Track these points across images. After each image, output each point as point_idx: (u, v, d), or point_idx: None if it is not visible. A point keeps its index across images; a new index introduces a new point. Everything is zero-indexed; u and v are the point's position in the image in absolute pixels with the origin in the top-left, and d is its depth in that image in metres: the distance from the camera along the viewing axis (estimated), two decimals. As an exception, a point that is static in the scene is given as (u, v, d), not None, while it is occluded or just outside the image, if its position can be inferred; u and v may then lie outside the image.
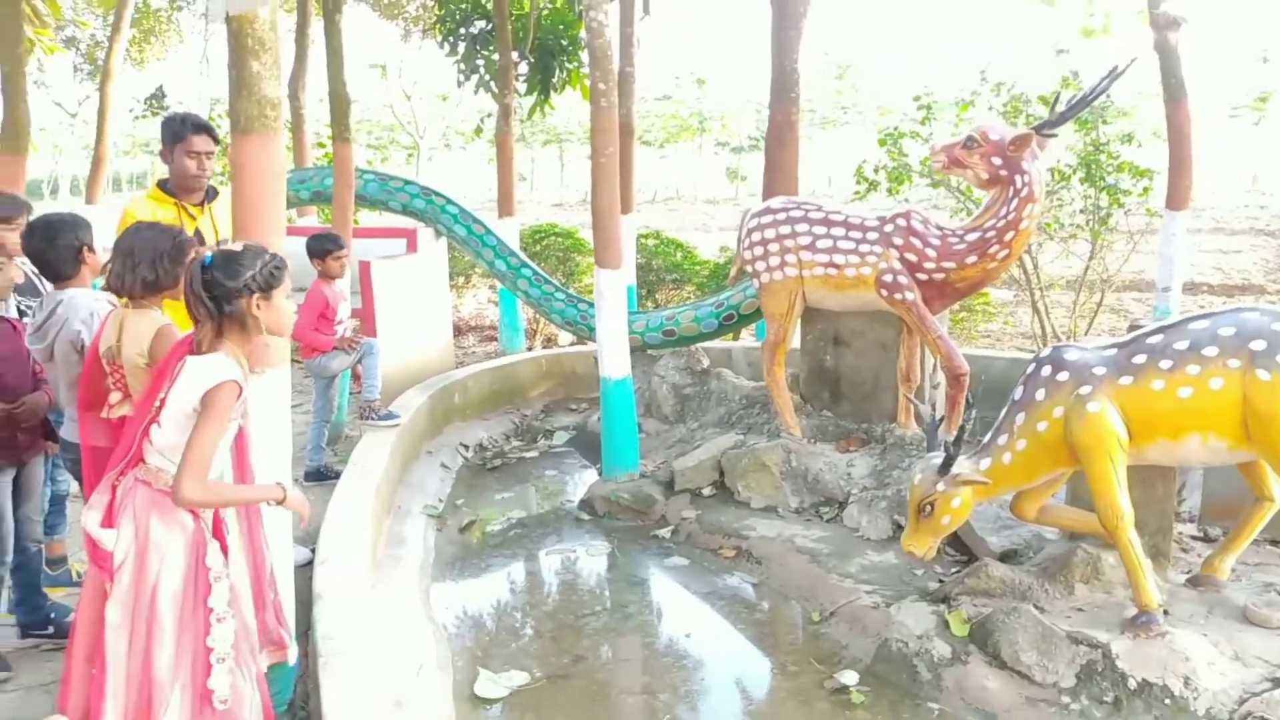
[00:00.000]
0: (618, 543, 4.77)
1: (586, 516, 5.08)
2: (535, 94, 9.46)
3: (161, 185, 3.76)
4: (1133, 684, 3.11)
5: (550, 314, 6.77)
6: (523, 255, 7.24)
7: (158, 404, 2.53)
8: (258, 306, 2.49)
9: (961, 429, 3.37)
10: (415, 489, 5.19)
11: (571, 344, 8.58)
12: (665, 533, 4.82)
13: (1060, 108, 4.01)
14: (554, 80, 9.36)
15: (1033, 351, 7.61)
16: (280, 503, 2.60)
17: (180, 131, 3.66)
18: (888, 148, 7.50)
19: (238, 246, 2.56)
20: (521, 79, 9.29)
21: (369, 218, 10.23)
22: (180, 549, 2.52)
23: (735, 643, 3.90)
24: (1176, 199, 5.96)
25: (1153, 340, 3.25)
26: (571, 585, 4.46)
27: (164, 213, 3.69)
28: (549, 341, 9.03)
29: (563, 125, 30.78)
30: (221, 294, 2.46)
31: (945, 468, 3.41)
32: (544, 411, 6.95)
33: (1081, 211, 7.15)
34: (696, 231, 20.45)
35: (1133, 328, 3.59)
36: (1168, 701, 3.06)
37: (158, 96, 14.76)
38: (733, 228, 22.27)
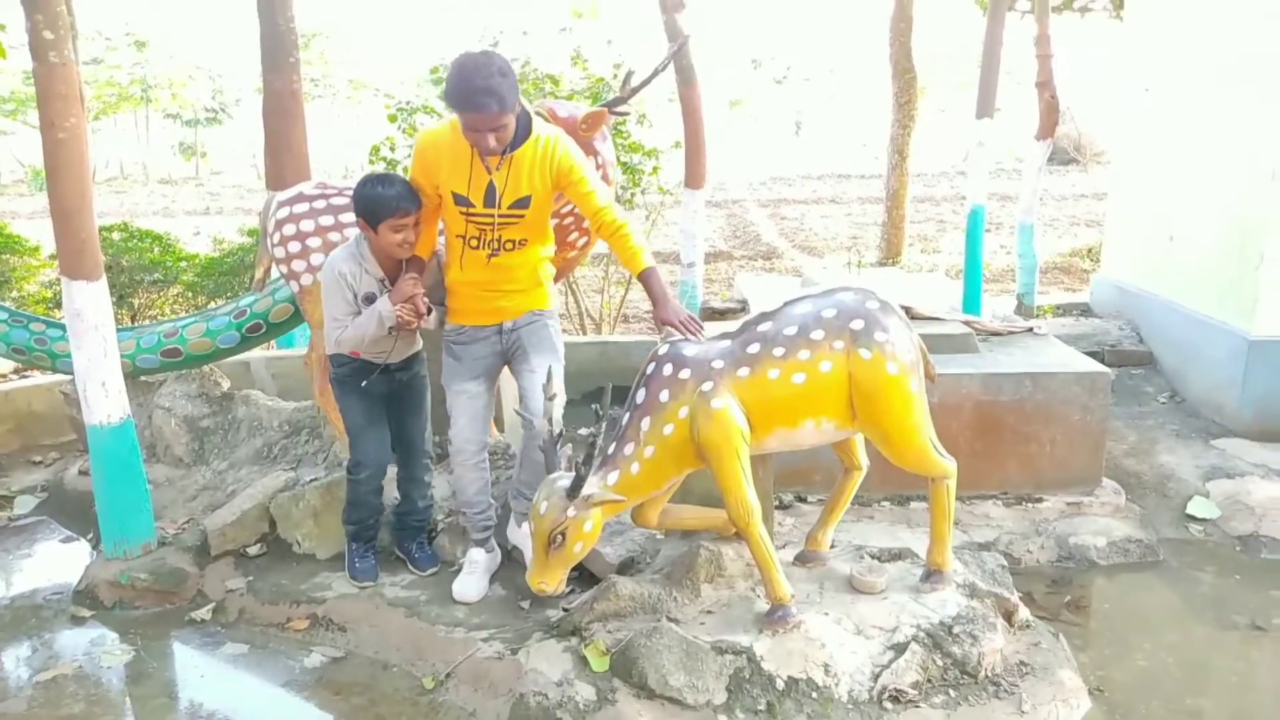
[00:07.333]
0: (142, 642, 3.63)
1: (88, 612, 3.81)
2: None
3: None
4: (780, 685, 3.00)
5: (-14, 341, 4.99)
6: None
7: None
8: None
9: (591, 445, 2.96)
10: None
11: (17, 371, 6.61)
12: (205, 614, 3.78)
13: (634, 83, 3.78)
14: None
15: (571, 332, 7.61)
16: None
17: None
18: (400, 124, 6.86)
19: None
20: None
21: None
22: None
23: (336, 744, 3.13)
24: (694, 178, 6.21)
25: (763, 328, 3.14)
26: (85, 721, 3.24)
27: None
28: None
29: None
30: None
31: (575, 490, 2.98)
32: (-9, 471, 5.21)
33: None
34: (157, 217, 17.72)
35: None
36: (814, 695, 2.99)
37: None
38: (201, 211, 19.74)
